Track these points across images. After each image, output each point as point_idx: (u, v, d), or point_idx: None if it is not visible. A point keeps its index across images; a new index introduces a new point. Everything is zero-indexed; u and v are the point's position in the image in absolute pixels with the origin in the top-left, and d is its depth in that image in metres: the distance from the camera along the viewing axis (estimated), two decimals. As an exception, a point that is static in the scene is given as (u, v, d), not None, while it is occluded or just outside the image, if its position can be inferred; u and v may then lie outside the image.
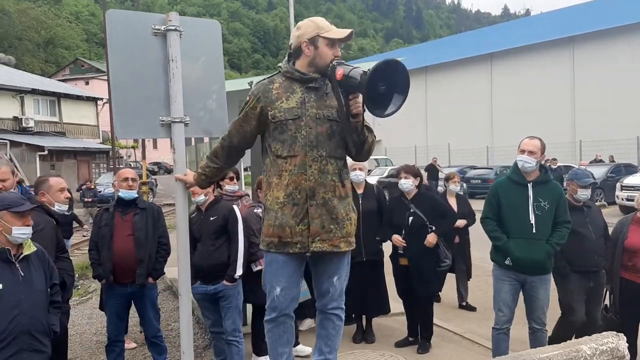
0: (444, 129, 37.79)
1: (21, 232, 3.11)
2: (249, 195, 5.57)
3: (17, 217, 3.09)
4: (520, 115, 32.86)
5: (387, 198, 5.83)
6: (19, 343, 3.05)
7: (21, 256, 3.15)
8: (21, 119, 27.89)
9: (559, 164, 20.56)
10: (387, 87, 2.63)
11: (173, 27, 3.02)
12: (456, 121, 37.34)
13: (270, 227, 2.91)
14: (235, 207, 4.71)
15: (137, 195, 4.75)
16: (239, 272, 4.47)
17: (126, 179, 4.67)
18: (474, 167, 27.72)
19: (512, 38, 37.80)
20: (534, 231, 4.16)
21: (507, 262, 4.23)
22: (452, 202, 6.55)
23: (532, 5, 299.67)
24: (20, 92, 28.22)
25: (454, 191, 6.84)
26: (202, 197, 4.57)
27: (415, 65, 40.39)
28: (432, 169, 23.60)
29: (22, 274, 3.11)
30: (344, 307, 3.09)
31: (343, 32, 2.88)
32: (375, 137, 2.98)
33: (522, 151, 4.22)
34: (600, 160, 23.92)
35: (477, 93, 37.11)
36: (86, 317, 7.54)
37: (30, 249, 3.21)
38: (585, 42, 31.67)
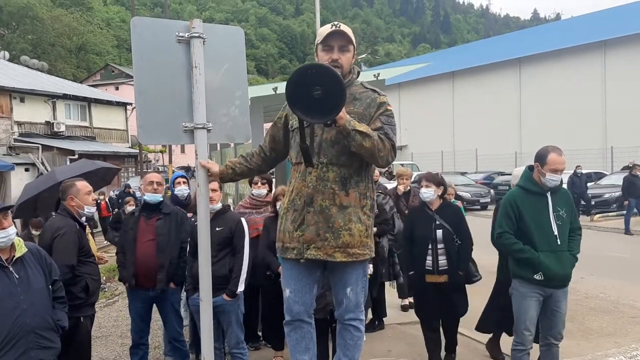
0: (472, 134, 37.37)
1: None
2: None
3: None
4: (550, 121, 32.32)
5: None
6: (25, 343, 3.10)
7: (14, 259, 3.16)
8: (53, 123, 28.51)
9: (588, 171, 20.09)
10: (324, 92, 2.54)
11: (197, 34, 3.03)
12: (484, 126, 36.90)
13: (278, 232, 3.01)
14: (243, 219, 4.63)
15: (162, 199, 4.80)
16: (241, 287, 4.38)
17: (151, 183, 4.74)
18: (502, 173, 27.37)
19: (541, 42, 37.23)
20: (558, 243, 3.94)
21: (537, 276, 3.94)
22: None
23: (563, 10, 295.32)
24: (52, 97, 28.85)
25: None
26: (219, 205, 4.56)
27: (442, 70, 40.11)
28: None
29: (17, 276, 3.14)
30: (362, 318, 3.06)
31: (322, 34, 2.90)
32: (377, 142, 2.75)
33: (555, 171, 3.92)
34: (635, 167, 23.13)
35: (506, 98, 36.62)
36: (112, 320, 7.65)
37: (22, 250, 3.22)
38: (618, 46, 31.01)
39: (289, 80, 2.59)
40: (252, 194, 5.49)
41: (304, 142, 2.78)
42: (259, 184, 5.43)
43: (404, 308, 6.93)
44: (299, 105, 2.60)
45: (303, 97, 2.56)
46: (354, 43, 2.94)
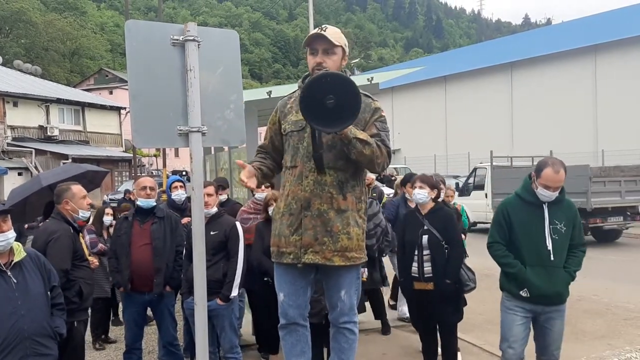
0: (464, 138, 37.46)
1: None
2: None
3: None
4: (542, 125, 32.49)
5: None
6: (22, 349, 3.07)
7: (12, 263, 3.13)
8: (46, 127, 28.46)
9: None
10: (338, 100, 2.56)
11: (191, 37, 3.03)
12: (476, 130, 37.02)
13: (272, 236, 3.00)
14: (237, 224, 4.63)
15: (155, 204, 4.78)
16: (235, 292, 4.39)
17: (144, 188, 4.71)
18: (495, 177, 27.42)
19: (533, 47, 37.43)
20: (551, 258, 3.69)
21: (523, 293, 3.74)
22: None
23: (554, 15, 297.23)
24: (45, 102, 28.81)
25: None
26: (214, 209, 4.56)
27: (434, 74, 40.22)
28: None
29: (15, 281, 3.11)
30: (356, 320, 3.07)
31: (308, 37, 2.93)
32: (375, 149, 2.80)
33: (547, 187, 3.66)
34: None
35: (498, 102, 36.79)
36: (106, 324, 7.58)
37: (21, 254, 3.19)
38: (608, 50, 31.23)
39: (304, 87, 2.60)
40: (256, 199, 5.42)
41: (317, 151, 2.79)
42: (262, 187, 5.35)
43: (393, 307, 7.11)
44: (310, 114, 2.61)
45: (315, 105, 2.57)
46: (343, 45, 2.93)
